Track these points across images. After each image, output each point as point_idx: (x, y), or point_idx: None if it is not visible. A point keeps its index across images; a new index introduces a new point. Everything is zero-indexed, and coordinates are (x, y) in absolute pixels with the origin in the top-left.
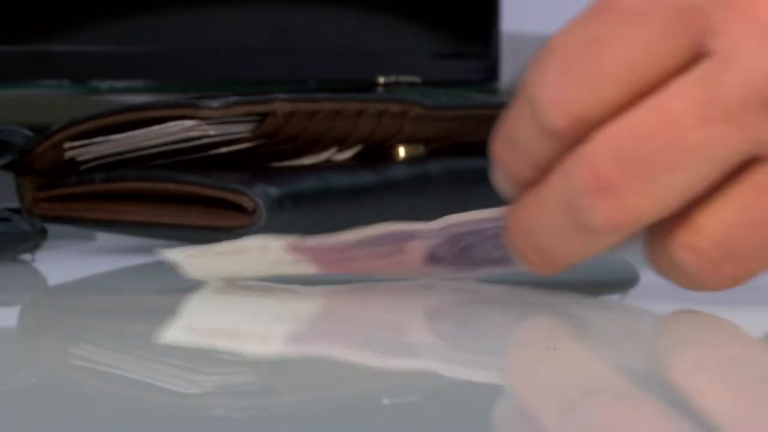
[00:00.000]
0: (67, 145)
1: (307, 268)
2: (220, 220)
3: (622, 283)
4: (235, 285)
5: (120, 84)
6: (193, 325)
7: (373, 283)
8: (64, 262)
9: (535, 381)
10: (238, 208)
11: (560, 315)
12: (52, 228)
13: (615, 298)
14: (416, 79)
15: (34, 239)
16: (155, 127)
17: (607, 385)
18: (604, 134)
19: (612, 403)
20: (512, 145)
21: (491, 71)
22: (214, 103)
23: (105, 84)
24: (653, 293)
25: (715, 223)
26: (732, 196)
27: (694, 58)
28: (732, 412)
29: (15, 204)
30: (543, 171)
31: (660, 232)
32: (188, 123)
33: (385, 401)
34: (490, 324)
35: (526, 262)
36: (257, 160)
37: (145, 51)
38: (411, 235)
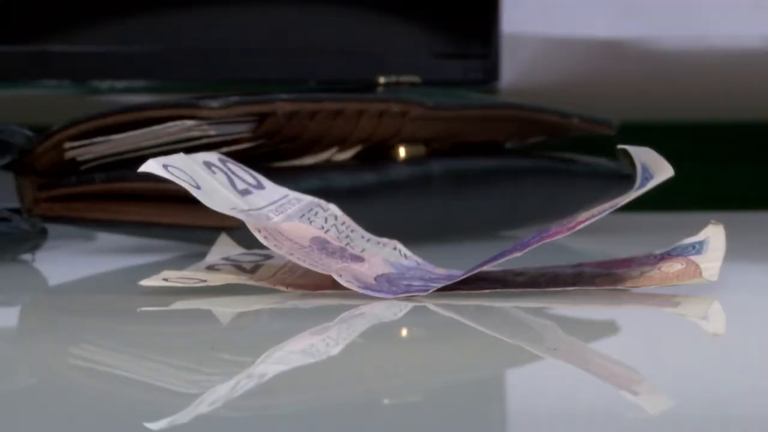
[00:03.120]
0: (68, 145)
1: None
2: (220, 220)
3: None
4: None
5: (120, 84)
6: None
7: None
8: (64, 262)
9: (534, 381)
10: None
11: (559, 316)
12: (52, 228)
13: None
14: (416, 79)
15: (35, 239)
16: (155, 127)
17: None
18: None
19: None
20: None
21: (491, 71)
22: (215, 103)
23: (105, 84)
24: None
25: None
26: None
27: None
28: None
29: (15, 204)
30: None
31: None
32: (188, 123)
33: (385, 401)
34: (489, 323)
35: None
36: (258, 160)
37: (145, 51)
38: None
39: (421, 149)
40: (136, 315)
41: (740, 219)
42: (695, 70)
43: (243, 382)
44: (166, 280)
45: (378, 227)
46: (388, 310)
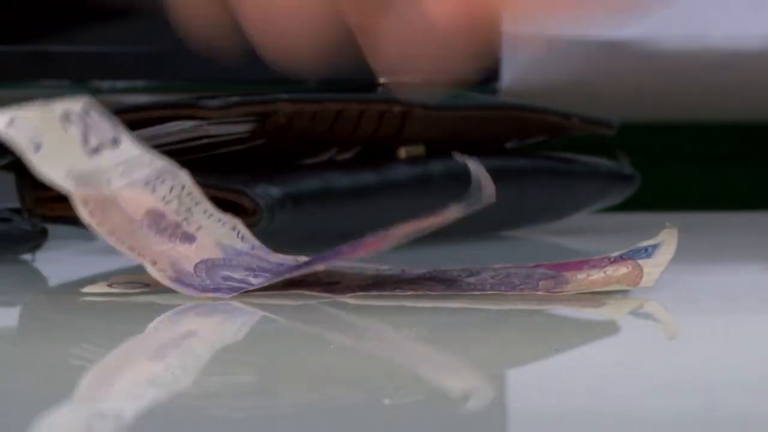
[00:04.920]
0: None
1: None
2: None
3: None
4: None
5: (120, 84)
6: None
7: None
8: (64, 262)
9: (535, 381)
10: (239, 209)
11: (560, 316)
12: (52, 228)
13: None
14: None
15: (35, 239)
16: (156, 127)
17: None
18: None
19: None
20: None
21: (491, 71)
22: (215, 103)
23: (105, 84)
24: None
25: None
26: None
27: None
28: None
29: (15, 204)
30: None
31: None
32: (188, 123)
33: (386, 401)
34: (491, 323)
35: None
36: (258, 161)
37: (145, 51)
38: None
39: (421, 149)
40: (135, 315)
41: (740, 219)
42: (695, 70)
43: (243, 382)
44: (110, 286)
45: (378, 227)
46: (387, 308)
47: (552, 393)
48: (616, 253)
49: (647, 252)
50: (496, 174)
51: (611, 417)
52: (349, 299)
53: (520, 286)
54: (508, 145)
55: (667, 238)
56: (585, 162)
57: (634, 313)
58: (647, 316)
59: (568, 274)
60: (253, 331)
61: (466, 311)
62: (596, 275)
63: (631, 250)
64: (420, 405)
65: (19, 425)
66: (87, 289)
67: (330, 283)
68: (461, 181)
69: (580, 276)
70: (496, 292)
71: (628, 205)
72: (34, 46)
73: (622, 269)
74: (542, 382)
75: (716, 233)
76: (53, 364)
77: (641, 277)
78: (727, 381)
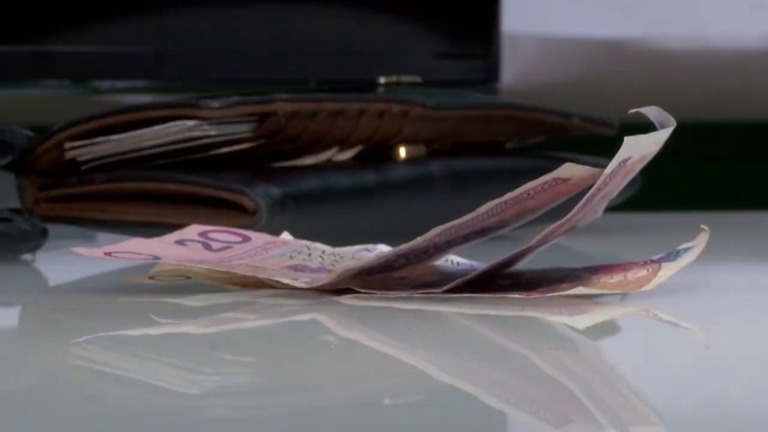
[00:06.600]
0: (68, 145)
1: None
2: (221, 221)
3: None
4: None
5: (120, 84)
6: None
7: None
8: (64, 262)
9: (534, 381)
10: (240, 209)
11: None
12: (52, 228)
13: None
14: (417, 79)
15: (35, 239)
16: (156, 127)
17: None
18: None
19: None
20: None
21: (492, 71)
22: (215, 103)
23: (105, 84)
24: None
25: None
26: None
27: None
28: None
29: (16, 204)
30: None
31: None
32: (189, 123)
33: (386, 401)
34: (490, 324)
35: None
36: (258, 161)
37: (145, 51)
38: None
39: (421, 149)
40: (136, 315)
41: (740, 219)
42: (695, 70)
43: (243, 382)
44: (151, 278)
45: (378, 227)
46: (388, 309)
47: (552, 393)
48: (656, 256)
49: (677, 254)
50: (496, 174)
51: (611, 416)
52: (347, 300)
53: (540, 288)
54: (508, 145)
55: (699, 242)
56: (585, 162)
57: (634, 314)
58: (647, 316)
59: (595, 277)
60: (253, 331)
61: (467, 312)
62: (617, 278)
63: (669, 253)
64: (419, 405)
65: (19, 425)
66: (125, 280)
67: (397, 279)
68: (461, 181)
69: (603, 279)
70: (515, 295)
71: (628, 205)
72: (34, 46)
73: (641, 271)
74: (542, 381)
75: (716, 233)
76: (53, 364)
77: (650, 280)
78: (727, 381)
